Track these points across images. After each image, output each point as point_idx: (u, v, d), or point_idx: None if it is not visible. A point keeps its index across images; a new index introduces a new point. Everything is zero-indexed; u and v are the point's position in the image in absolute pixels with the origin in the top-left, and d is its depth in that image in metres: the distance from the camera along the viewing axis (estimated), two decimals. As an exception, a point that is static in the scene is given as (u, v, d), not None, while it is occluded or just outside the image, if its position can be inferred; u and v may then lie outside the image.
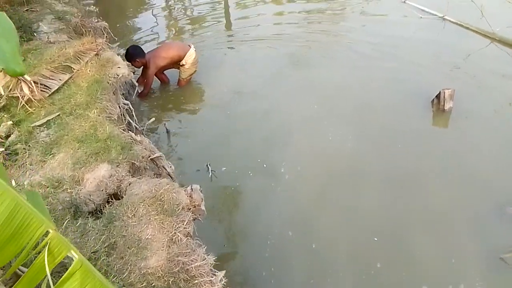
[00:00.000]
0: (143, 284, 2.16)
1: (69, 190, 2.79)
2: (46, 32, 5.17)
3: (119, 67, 4.29)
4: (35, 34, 5.11)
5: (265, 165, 4.27)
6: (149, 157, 3.36)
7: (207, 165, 4.17)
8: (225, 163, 4.28)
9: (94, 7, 6.86)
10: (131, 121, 4.47)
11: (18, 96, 3.66)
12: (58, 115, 3.60)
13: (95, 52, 4.38)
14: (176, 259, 2.29)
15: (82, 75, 4.11)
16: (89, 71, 4.14)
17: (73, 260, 1.35)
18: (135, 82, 5.00)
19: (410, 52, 6.09)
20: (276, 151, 4.46)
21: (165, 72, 5.66)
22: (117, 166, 3.00)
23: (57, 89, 3.93)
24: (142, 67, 5.36)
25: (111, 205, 2.67)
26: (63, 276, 1.33)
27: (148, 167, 3.41)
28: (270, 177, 4.14)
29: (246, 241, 3.52)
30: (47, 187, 2.81)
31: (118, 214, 2.54)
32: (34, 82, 3.80)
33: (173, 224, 2.46)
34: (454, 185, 3.87)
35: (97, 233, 2.43)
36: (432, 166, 4.08)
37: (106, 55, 4.42)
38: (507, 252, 3.21)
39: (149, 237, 2.39)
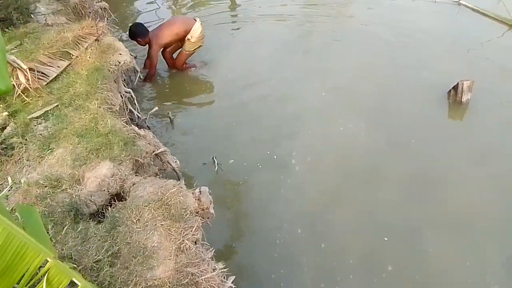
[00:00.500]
0: (150, 298, 2.01)
1: (68, 190, 2.62)
2: (43, 14, 4.91)
3: (120, 54, 4.06)
4: (32, 16, 4.84)
5: (275, 157, 4.10)
6: (153, 152, 3.18)
7: (213, 158, 3.99)
8: (232, 155, 4.10)
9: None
10: (133, 110, 4.27)
11: (14, 85, 3.45)
12: (57, 105, 3.39)
13: (95, 37, 4.14)
14: (184, 269, 2.13)
15: (82, 62, 3.88)
16: (89, 58, 3.91)
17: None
18: (137, 67, 4.75)
19: (423, 38, 5.84)
20: (286, 141, 4.28)
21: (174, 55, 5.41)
22: (120, 164, 2.82)
23: (55, 77, 3.71)
24: (147, 46, 5.12)
25: (114, 208, 2.50)
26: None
27: (152, 163, 3.23)
28: (280, 169, 3.97)
29: (254, 240, 3.37)
30: (45, 187, 2.63)
31: (122, 218, 2.37)
32: (31, 69, 3.58)
33: (181, 230, 2.30)
34: (473, 184, 3.70)
35: (99, 240, 2.27)
36: (449, 163, 3.90)
37: (107, 40, 4.18)
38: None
39: (156, 245, 2.22)
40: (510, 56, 5.35)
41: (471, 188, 3.69)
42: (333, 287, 3.06)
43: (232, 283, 2.33)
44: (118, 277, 2.09)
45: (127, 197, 2.59)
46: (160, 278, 2.10)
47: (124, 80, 4.47)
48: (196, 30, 5.01)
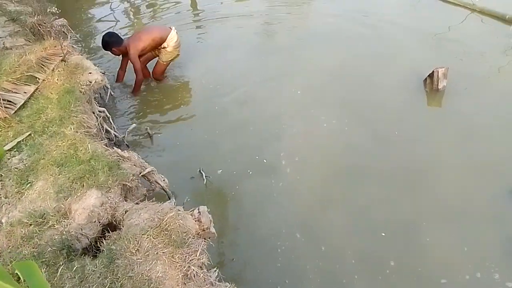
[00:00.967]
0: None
1: (56, 226, 2.44)
2: (0, 37, 4.62)
3: (90, 73, 3.87)
4: (-13, 40, 4.55)
5: (265, 160, 4.02)
6: (140, 173, 3.03)
7: (200, 171, 3.86)
8: (220, 165, 3.98)
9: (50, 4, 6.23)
10: (109, 129, 4.08)
11: (-21, 117, 3.21)
12: (29, 134, 3.18)
13: (61, 58, 3.92)
14: (195, 298, 2.02)
15: (50, 85, 3.66)
16: (57, 80, 3.70)
17: None
18: (107, 84, 4.52)
19: (389, 28, 5.94)
20: (273, 143, 4.20)
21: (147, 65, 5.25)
22: (108, 191, 2.66)
23: (23, 103, 3.48)
24: (121, 56, 4.94)
25: (108, 239, 2.35)
26: None
27: (140, 185, 3.08)
28: (271, 173, 3.89)
29: (255, 251, 3.27)
30: (30, 225, 2.44)
31: (120, 251, 2.23)
32: (-5, 98, 3.35)
33: (185, 256, 2.18)
34: (460, 170, 3.74)
35: (98, 277, 2.11)
36: (435, 151, 3.94)
37: (74, 59, 3.98)
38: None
39: (161, 275, 2.10)
40: (476, 39, 5.49)
41: (459, 173, 3.73)
42: (340, 291, 3.01)
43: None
44: (125, 316, 1.95)
45: (121, 227, 2.44)
46: (170, 311, 1.99)
47: (95, 98, 4.26)
48: (172, 39, 4.86)
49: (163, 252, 2.18)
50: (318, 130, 4.34)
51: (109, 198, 2.59)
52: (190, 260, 2.16)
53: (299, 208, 3.59)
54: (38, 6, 5.75)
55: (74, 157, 2.90)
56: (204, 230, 2.42)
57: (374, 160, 3.95)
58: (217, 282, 2.20)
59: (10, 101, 3.48)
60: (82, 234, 2.42)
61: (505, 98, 4.44)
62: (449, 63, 4.64)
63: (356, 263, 3.18)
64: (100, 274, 2.13)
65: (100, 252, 2.31)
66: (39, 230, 2.41)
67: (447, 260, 3.16)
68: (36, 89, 3.63)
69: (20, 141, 3.11)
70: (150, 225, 2.31)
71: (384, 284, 3.06)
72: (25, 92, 3.58)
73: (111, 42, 4.67)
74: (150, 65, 5.24)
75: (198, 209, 2.47)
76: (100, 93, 4.75)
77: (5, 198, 2.69)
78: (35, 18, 5.01)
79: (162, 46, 4.86)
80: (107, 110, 4.15)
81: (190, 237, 2.26)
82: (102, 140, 3.47)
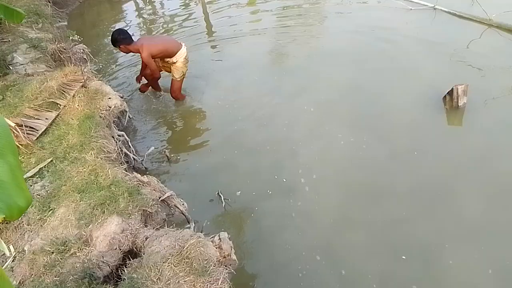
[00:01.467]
0: None
1: (77, 254, 2.44)
2: (22, 64, 4.77)
3: (110, 98, 3.93)
4: (10, 67, 4.69)
5: (284, 180, 3.99)
6: (159, 198, 3.03)
7: (218, 193, 3.84)
8: (239, 187, 3.95)
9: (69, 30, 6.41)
10: (128, 153, 4.11)
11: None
12: (51, 161, 3.23)
13: (81, 84, 4.01)
14: (218, 329, 1.98)
15: (71, 111, 3.74)
16: (78, 106, 3.77)
17: None
18: (126, 108, 4.57)
19: (406, 45, 5.89)
20: (290, 162, 4.18)
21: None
22: (128, 217, 2.66)
23: (45, 130, 3.56)
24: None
25: (129, 267, 2.34)
26: None
27: (159, 209, 3.08)
28: (290, 192, 3.86)
29: (276, 276, 3.21)
30: (52, 253, 2.46)
31: (141, 279, 2.21)
32: (18, 125, 3.42)
33: (207, 285, 2.14)
34: (483, 189, 3.63)
35: (120, 307, 2.10)
36: (456, 170, 3.85)
37: (94, 85, 4.06)
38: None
39: (182, 305, 2.07)
40: (494, 54, 5.41)
41: (481, 193, 3.62)
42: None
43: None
44: None
45: (141, 254, 2.43)
46: None
47: (114, 122, 4.32)
48: (182, 54, 4.91)
49: (184, 281, 2.15)
50: (336, 147, 4.30)
51: (130, 224, 2.59)
52: (212, 289, 2.13)
53: (318, 229, 3.54)
54: (58, 32, 5.92)
55: (95, 183, 2.92)
56: (225, 257, 2.38)
57: (393, 178, 3.88)
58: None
59: (32, 128, 3.56)
60: (103, 262, 2.41)
61: (527, 114, 4.34)
62: (468, 79, 4.57)
63: (378, 287, 3.09)
64: (122, 304, 2.11)
65: (121, 280, 2.30)
66: (61, 258, 2.42)
67: (471, 284, 3.05)
68: (58, 115, 3.70)
69: (42, 167, 3.16)
70: (171, 252, 2.30)
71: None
72: (46, 119, 3.65)
73: (120, 39, 4.63)
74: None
75: (219, 236, 2.44)
76: (119, 117, 4.83)
77: (27, 225, 2.72)
78: (56, 44, 5.16)
79: (171, 61, 4.91)
80: (125, 134, 4.20)
81: (211, 265, 2.23)
82: (121, 164, 3.50)
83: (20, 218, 2.75)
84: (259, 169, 4.17)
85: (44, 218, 2.73)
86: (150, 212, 2.88)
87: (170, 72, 5.04)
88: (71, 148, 3.29)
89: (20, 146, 3.30)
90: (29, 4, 6.40)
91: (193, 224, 3.20)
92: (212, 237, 2.45)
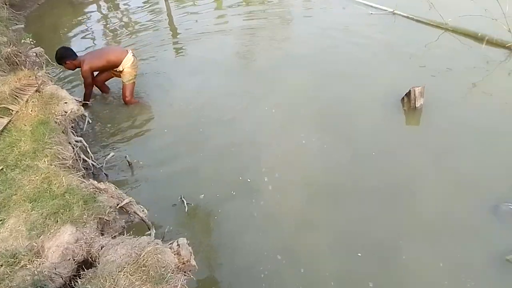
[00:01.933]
0: None
1: (28, 266, 2.33)
2: (-28, 69, 4.52)
3: (66, 103, 3.79)
4: (-41, 72, 4.44)
5: (249, 180, 3.99)
6: (117, 205, 2.94)
7: (181, 198, 3.78)
8: (202, 189, 3.92)
9: (25, 33, 6.16)
10: (87, 159, 3.98)
11: None
12: (1, 169, 3.07)
13: (35, 88, 3.85)
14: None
15: (24, 117, 3.57)
16: (31, 111, 3.61)
17: None
18: (85, 113, 4.42)
19: (365, 47, 6.03)
20: (253, 163, 4.19)
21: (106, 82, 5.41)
22: (83, 226, 2.56)
23: (-5, 137, 3.38)
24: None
25: (83, 278, 2.25)
26: None
27: (117, 217, 2.98)
28: (253, 192, 3.87)
29: (239, 280, 3.18)
30: (1, 266, 2.33)
31: (95, 290, 2.13)
32: (-34, 132, 3.24)
33: (164, 293, 2.09)
34: (439, 187, 3.74)
35: (72, 320, 2.01)
36: (414, 169, 3.95)
37: (49, 89, 3.90)
38: (510, 253, 3.12)
39: (138, 315, 2.01)
40: (450, 57, 5.62)
41: (437, 190, 3.73)
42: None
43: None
44: None
45: (97, 264, 2.34)
46: None
47: (72, 127, 4.17)
48: (127, 62, 4.97)
49: (140, 290, 2.09)
50: (299, 148, 4.35)
51: (85, 233, 2.50)
52: (169, 297, 2.07)
53: (279, 229, 3.56)
54: (14, 35, 5.68)
55: (48, 191, 2.80)
56: (184, 263, 2.34)
57: (353, 178, 3.95)
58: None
59: (-18, 135, 3.38)
60: (55, 273, 2.31)
61: (481, 114, 4.52)
62: (426, 81, 4.72)
63: (336, 285, 3.12)
64: (74, 317, 2.03)
65: (74, 292, 2.21)
66: (10, 271, 2.30)
67: (424, 278, 3.13)
68: (9, 121, 3.53)
69: (-9, 176, 3.00)
70: (127, 261, 2.23)
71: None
72: (-3, 125, 3.48)
73: (64, 55, 4.82)
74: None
75: (177, 242, 2.39)
76: (77, 122, 4.67)
77: (-25, 237, 2.57)
78: (11, 48, 4.93)
79: (119, 70, 5.01)
80: (84, 139, 4.06)
81: (169, 272, 2.18)
82: (78, 171, 3.38)
83: (-34, 231, 2.60)
84: (223, 171, 4.15)
85: (-7, 229, 2.59)
86: (107, 220, 2.78)
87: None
88: (23, 155, 3.15)
89: (-33, 154, 3.13)
90: (-18, 6, 6.12)
91: (154, 230, 3.12)
92: (170, 244, 2.40)
